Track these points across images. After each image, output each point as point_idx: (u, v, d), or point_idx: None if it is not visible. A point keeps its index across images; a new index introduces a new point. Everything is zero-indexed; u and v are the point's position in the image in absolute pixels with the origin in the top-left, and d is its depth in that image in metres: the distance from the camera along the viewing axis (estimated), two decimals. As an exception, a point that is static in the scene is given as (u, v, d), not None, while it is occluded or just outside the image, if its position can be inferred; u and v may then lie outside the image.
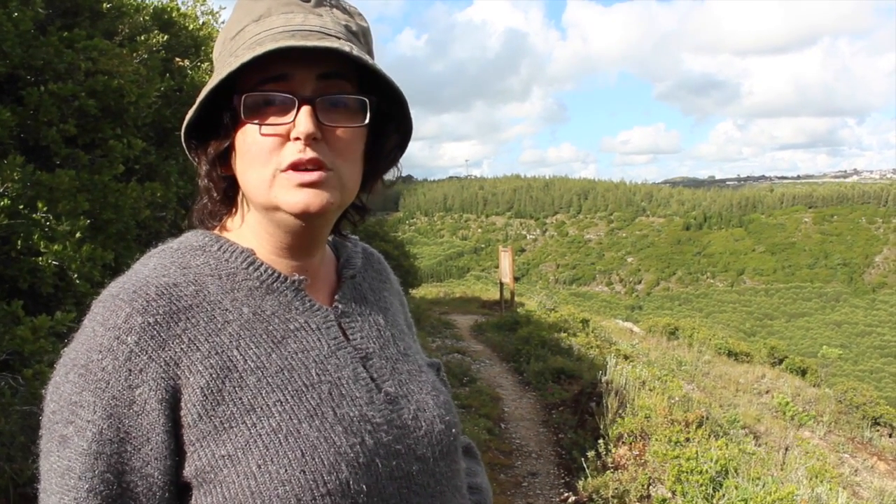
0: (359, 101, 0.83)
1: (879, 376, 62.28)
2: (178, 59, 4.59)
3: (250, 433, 0.76)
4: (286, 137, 0.80)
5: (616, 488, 4.80)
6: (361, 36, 0.87)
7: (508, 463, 5.66)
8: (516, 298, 16.60)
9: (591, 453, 5.23)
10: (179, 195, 4.06)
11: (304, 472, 0.75)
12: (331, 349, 0.86)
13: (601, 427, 5.67)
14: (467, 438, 1.13)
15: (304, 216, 0.82)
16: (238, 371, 0.78)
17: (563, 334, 10.69)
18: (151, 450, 0.75)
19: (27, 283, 2.90)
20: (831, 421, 10.44)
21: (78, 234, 3.00)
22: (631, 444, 5.32)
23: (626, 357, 9.00)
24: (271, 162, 0.80)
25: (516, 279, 17.32)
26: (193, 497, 0.78)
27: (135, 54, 3.92)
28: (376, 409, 0.84)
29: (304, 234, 0.86)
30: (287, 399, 0.79)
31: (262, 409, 0.77)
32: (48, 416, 0.77)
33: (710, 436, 5.43)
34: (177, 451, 0.77)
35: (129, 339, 0.75)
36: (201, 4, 5.43)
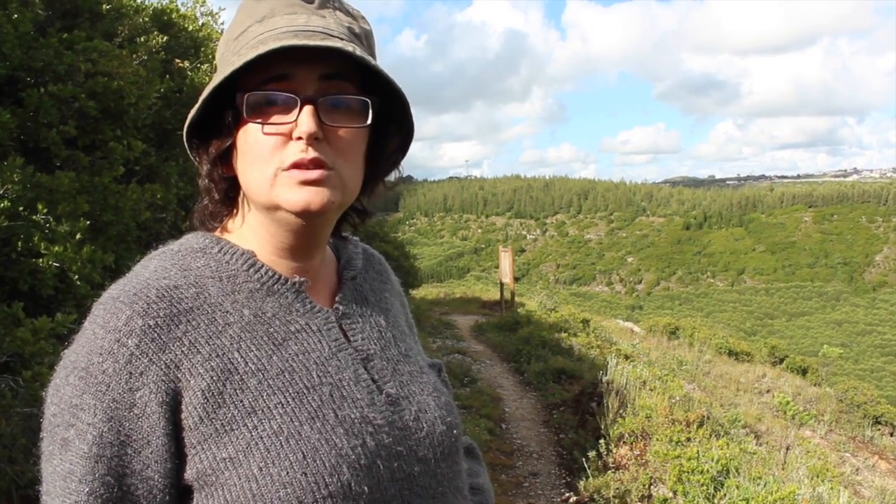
0: (361, 102, 0.83)
1: (880, 375, 62.25)
2: (177, 60, 4.59)
3: (251, 435, 0.76)
4: (288, 137, 0.80)
5: (617, 488, 4.79)
6: (364, 38, 0.87)
7: (510, 463, 5.66)
8: (517, 299, 16.60)
9: (592, 453, 5.23)
10: (179, 197, 4.06)
11: (306, 474, 0.75)
12: (332, 351, 0.86)
13: (602, 427, 5.67)
14: (469, 439, 1.12)
15: (304, 214, 0.82)
16: (239, 373, 0.78)
17: (563, 334, 10.69)
18: (152, 452, 0.75)
19: (27, 285, 2.90)
20: (832, 420, 10.44)
21: (78, 236, 3.00)
22: (632, 443, 5.32)
23: (626, 357, 9.00)
24: (273, 161, 0.80)
25: (516, 279, 17.31)
26: (195, 500, 0.78)
27: (134, 56, 3.92)
28: (377, 410, 0.84)
29: (304, 233, 0.86)
30: (288, 401, 0.78)
31: (263, 411, 0.77)
32: (49, 418, 0.77)
33: (711, 435, 5.42)
34: (177, 454, 0.77)
35: (129, 341, 0.75)
36: (201, 5, 5.43)
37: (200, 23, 5.35)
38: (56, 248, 2.87)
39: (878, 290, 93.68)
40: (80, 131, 3.42)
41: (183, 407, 0.76)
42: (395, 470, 0.82)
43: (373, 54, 0.89)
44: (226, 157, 0.86)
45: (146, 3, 4.81)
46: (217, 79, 0.80)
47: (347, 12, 0.88)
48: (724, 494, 4.35)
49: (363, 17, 0.90)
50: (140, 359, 0.75)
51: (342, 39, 0.81)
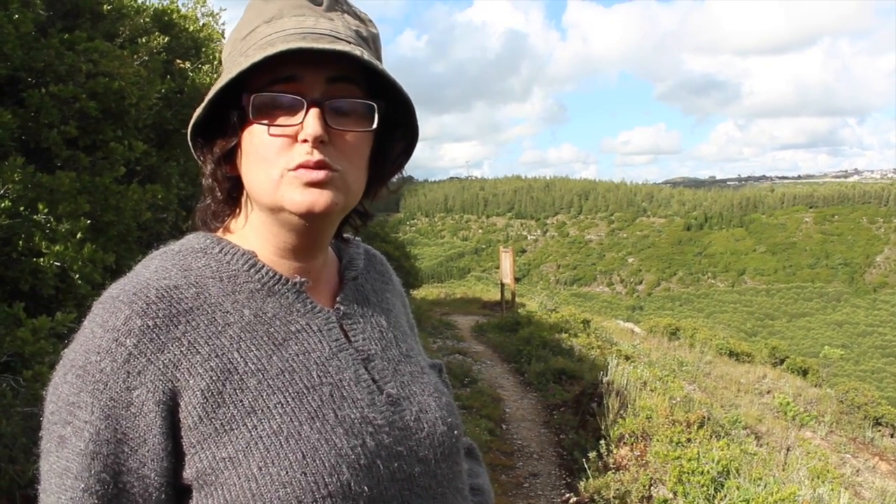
0: (367, 106, 0.83)
1: (881, 376, 62.24)
2: (178, 60, 4.59)
3: (251, 435, 0.76)
4: (294, 139, 0.80)
5: (617, 489, 4.79)
6: (371, 42, 0.87)
7: (510, 464, 5.66)
8: (517, 299, 16.60)
9: (592, 454, 5.23)
10: (180, 197, 4.06)
11: (305, 473, 0.75)
12: (332, 351, 0.86)
13: (602, 428, 5.66)
14: (469, 439, 1.12)
15: (308, 216, 0.82)
16: (239, 373, 0.78)
17: (564, 335, 10.69)
18: (148, 451, 0.75)
19: (28, 285, 2.90)
20: (833, 421, 10.43)
21: (79, 236, 3.00)
22: (632, 444, 5.32)
23: (627, 358, 8.99)
24: (279, 162, 0.80)
25: (517, 280, 17.32)
26: (194, 499, 0.78)
27: (135, 56, 3.92)
28: (378, 410, 0.84)
29: (307, 234, 0.86)
30: (288, 401, 0.79)
31: (262, 411, 0.77)
32: (47, 416, 0.78)
33: (711, 436, 5.42)
34: (175, 454, 0.77)
35: (128, 341, 0.75)
36: (201, 6, 5.43)
37: (201, 23, 5.35)
38: (57, 248, 2.88)
39: (878, 290, 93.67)
40: (81, 131, 3.42)
41: (182, 406, 0.76)
42: (396, 470, 0.82)
43: (379, 58, 0.89)
44: (229, 157, 0.86)
45: (147, 3, 4.82)
46: (224, 79, 0.80)
47: (356, 15, 0.88)
48: (725, 495, 4.35)
49: (371, 21, 0.90)
50: (138, 358, 0.75)
51: (350, 43, 0.81)
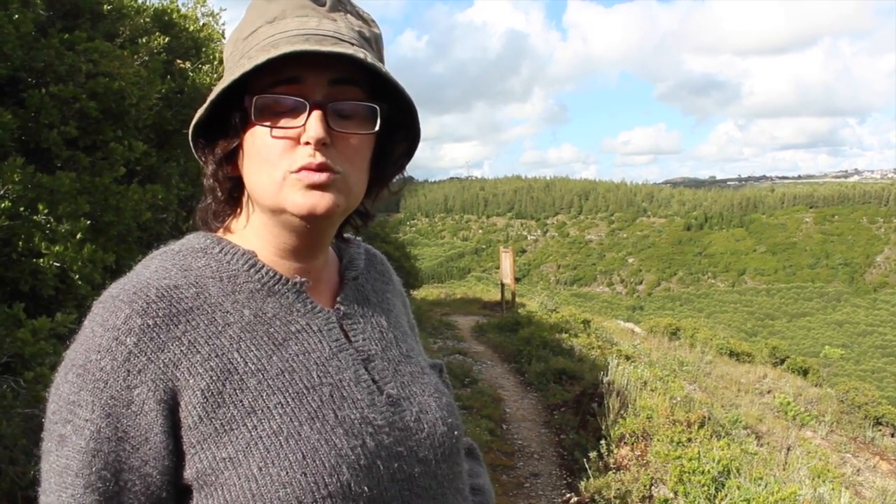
0: (369, 109, 0.83)
1: (881, 376, 62.23)
2: (178, 60, 4.59)
3: (251, 435, 0.76)
4: (296, 141, 0.80)
5: (618, 489, 4.79)
6: (374, 42, 0.87)
7: (510, 464, 5.66)
8: (517, 299, 16.60)
9: (592, 454, 5.22)
10: (180, 197, 4.06)
11: (305, 474, 0.75)
12: (332, 351, 0.86)
13: (603, 428, 5.66)
14: (469, 440, 1.12)
15: (309, 218, 0.82)
16: (239, 373, 0.78)
17: (564, 335, 10.68)
18: (150, 449, 0.75)
19: (28, 286, 2.90)
20: (833, 421, 10.43)
21: (79, 236, 3.00)
22: (633, 444, 5.31)
23: (627, 358, 8.99)
24: (282, 164, 0.80)
25: (517, 280, 17.32)
26: (195, 500, 0.78)
27: (136, 56, 3.92)
28: (378, 411, 0.84)
29: (308, 236, 0.86)
30: (288, 401, 0.78)
31: (262, 411, 0.77)
32: (48, 416, 0.78)
33: (712, 436, 5.42)
34: (176, 453, 0.77)
35: (128, 340, 0.75)
36: (201, 6, 5.43)
37: (201, 23, 5.34)
38: (57, 249, 2.87)
39: (878, 290, 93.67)
40: (81, 132, 3.42)
41: (182, 406, 0.76)
42: (396, 470, 0.82)
43: (381, 58, 0.89)
44: (231, 157, 0.86)
45: (147, 3, 4.82)
46: (226, 80, 0.80)
47: (358, 15, 0.88)
48: (726, 495, 4.35)
49: (373, 21, 0.90)
50: (138, 357, 0.75)
51: (353, 44, 0.81)
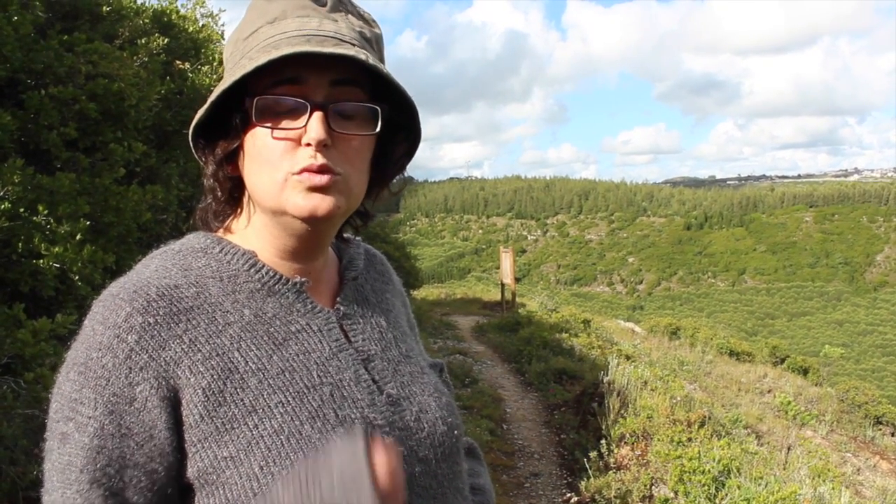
0: (370, 110, 0.83)
1: (881, 375, 62.23)
2: (178, 61, 4.59)
3: (252, 434, 0.76)
4: (297, 142, 0.80)
5: (618, 489, 4.79)
6: (375, 43, 0.87)
7: (511, 464, 5.66)
8: (517, 299, 16.60)
9: (593, 454, 5.22)
10: (180, 198, 4.06)
11: (307, 473, 0.75)
12: (332, 351, 0.86)
13: (603, 427, 5.66)
14: (470, 439, 1.12)
15: (310, 220, 0.82)
16: (239, 373, 0.78)
17: (564, 335, 10.69)
18: (155, 446, 0.75)
19: (28, 287, 2.90)
20: (833, 420, 10.43)
21: (79, 237, 3.00)
22: (633, 444, 5.31)
23: (627, 357, 8.99)
24: (283, 166, 0.80)
25: (517, 280, 17.32)
26: (196, 499, 0.78)
27: (135, 57, 3.92)
28: (378, 410, 0.84)
29: (308, 237, 0.86)
30: (288, 400, 0.79)
31: (263, 410, 0.77)
32: (51, 415, 0.77)
33: (712, 436, 5.42)
34: (180, 450, 0.77)
35: (129, 337, 0.75)
36: (201, 6, 5.43)
37: (201, 24, 5.35)
38: (56, 249, 2.87)
39: (878, 289, 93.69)
40: (81, 133, 3.42)
41: (183, 404, 0.76)
42: (396, 470, 0.82)
43: (382, 58, 0.89)
44: (231, 158, 0.86)
45: (146, 4, 4.82)
46: (227, 81, 0.80)
47: (359, 15, 0.88)
48: (726, 494, 4.35)
49: (374, 21, 0.89)
50: (140, 354, 0.75)
51: (354, 45, 0.81)
